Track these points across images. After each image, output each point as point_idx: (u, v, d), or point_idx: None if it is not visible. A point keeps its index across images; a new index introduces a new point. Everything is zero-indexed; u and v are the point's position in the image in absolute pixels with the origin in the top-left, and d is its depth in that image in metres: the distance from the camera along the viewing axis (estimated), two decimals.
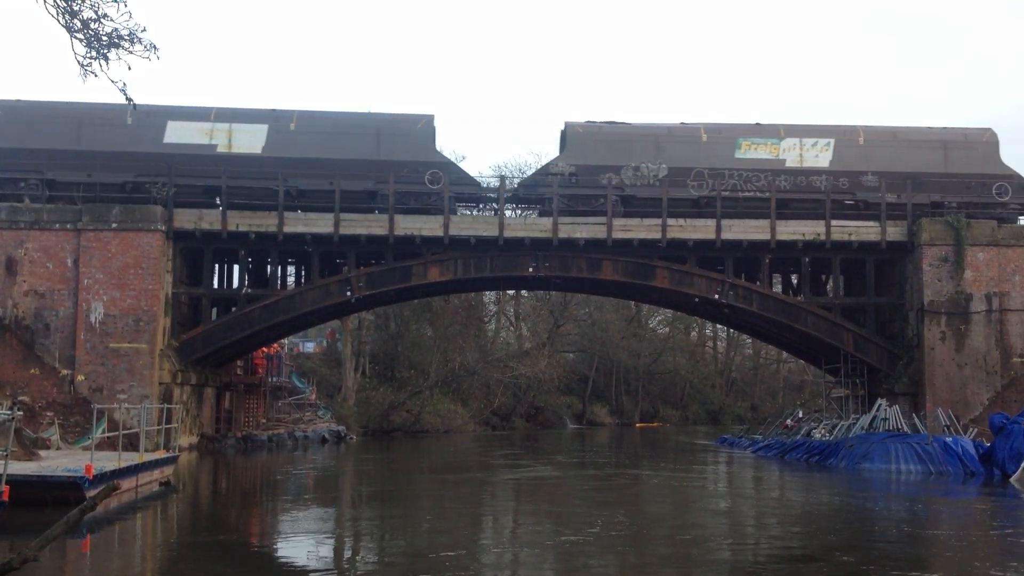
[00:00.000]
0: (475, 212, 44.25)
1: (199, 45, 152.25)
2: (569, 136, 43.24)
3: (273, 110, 42.25)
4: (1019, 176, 42.95)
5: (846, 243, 42.07)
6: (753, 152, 42.41)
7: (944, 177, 42.20)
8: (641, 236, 41.36)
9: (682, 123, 43.95)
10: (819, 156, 42.44)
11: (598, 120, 44.43)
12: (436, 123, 42.71)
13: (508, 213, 42.95)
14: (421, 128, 41.91)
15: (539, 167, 46.48)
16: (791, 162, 42.39)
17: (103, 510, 20.82)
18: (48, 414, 35.16)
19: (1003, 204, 42.24)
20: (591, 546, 18.30)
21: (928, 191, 42.03)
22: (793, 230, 42.10)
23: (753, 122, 44.52)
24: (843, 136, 43.05)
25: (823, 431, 43.43)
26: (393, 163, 40.93)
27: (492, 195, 43.14)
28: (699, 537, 20.31)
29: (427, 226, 41.05)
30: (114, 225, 38.91)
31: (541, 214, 43.55)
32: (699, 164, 41.98)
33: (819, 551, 18.17)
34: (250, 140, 41.04)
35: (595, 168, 41.94)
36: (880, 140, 43.23)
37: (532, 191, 43.33)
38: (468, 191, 42.93)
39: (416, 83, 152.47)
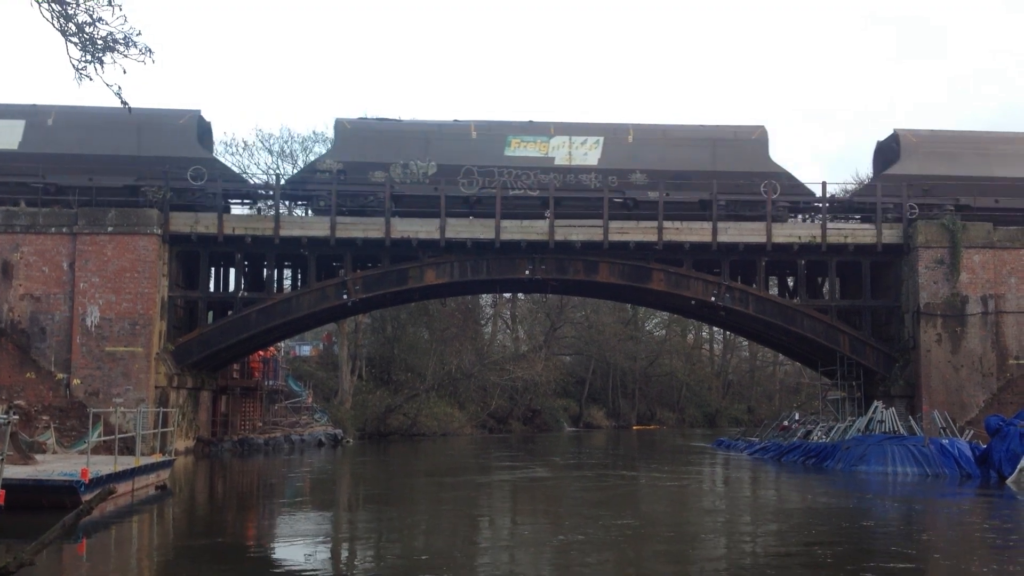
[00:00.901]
0: (249, 210, 43.33)
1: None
2: (338, 132, 42.91)
3: (33, 105, 41.54)
4: (788, 174, 42.81)
5: (842, 245, 42.11)
6: (523, 150, 41.94)
7: (712, 175, 41.82)
8: (638, 239, 41.37)
9: (455, 120, 43.57)
10: (588, 154, 42.03)
11: (371, 116, 44.08)
12: (211, 119, 42.19)
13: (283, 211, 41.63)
14: (183, 124, 40.88)
15: (307, 163, 45.01)
16: (560, 160, 41.98)
17: (99, 514, 20.78)
18: (44, 418, 35.07)
19: (772, 202, 41.71)
20: (588, 547, 18.30)
21: (697, 189, 41.74)
22: (789, 233, 42.15)
23: (527, 120, 43.82)
24: (612, 134, 42.70)
25: (819, 433, 43.48)
26: (159, 159, 40.07)
27: (263, 192, 42.67)
28: (695, 538, 20.31)
29: (424, 229, 41.04)
30: (110, 229, 38.88)
31: (315, 212, 42.38)
32: (469, 162, 41.40)
33: (815, 552, 18.16)
34: (8, 135, 40.32)
35: (364, 165, 41.33)
36: (649, 138, 42.84)
37: (299, 188, 42.33)
38: (234, 187, 42.23)
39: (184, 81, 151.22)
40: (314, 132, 71.81)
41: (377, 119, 44.19)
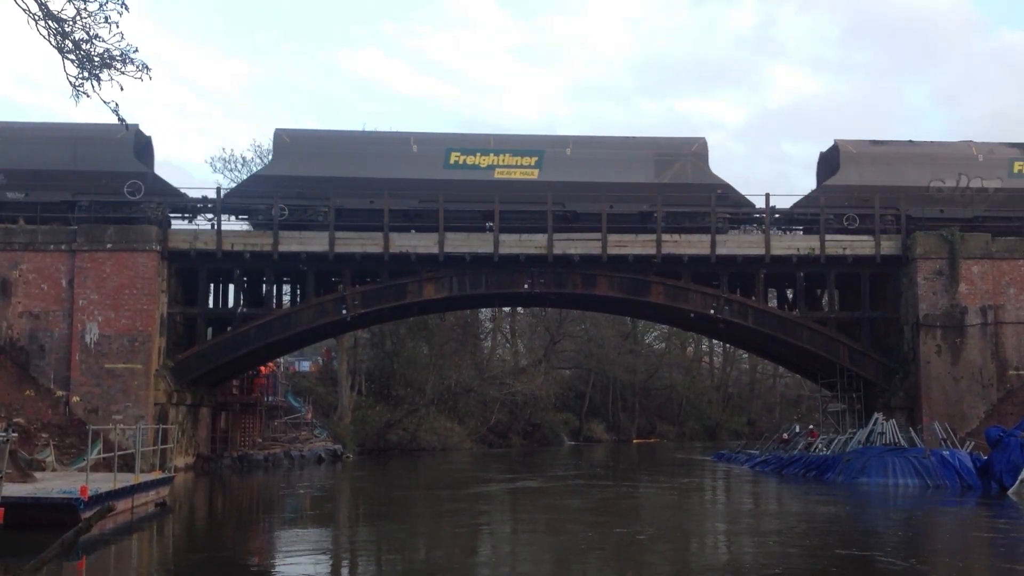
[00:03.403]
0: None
1: None
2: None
3: None
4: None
5: (840, 257, 42.09)
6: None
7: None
8: (636, 252, 41.34)
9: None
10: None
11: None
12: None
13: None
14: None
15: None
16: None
17: (98, 531, 20.72)
18: (43, 436, 34.96)
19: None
20: (589, 559, 18.25)
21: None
22: (788, 245, 42.16)
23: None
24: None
25: (820, 445, 43.39)
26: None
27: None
28: (696, 550, 20.26)
29: (422, 244, 41.02)
30: (109, 246, 38.86)
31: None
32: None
33: (816, 563, 18.12)
34: None
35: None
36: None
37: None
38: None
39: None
40: (258, 147, 70.49)
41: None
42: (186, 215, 42.69)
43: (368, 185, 40.66)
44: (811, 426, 50.82)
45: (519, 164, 41.88)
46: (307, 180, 40.91)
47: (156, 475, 28.65)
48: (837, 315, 43.58)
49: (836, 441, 41.72)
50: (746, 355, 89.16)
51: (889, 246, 41.86)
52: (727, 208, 42.30)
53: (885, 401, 41.58)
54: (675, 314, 46.14)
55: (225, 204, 41.71)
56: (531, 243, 41.28)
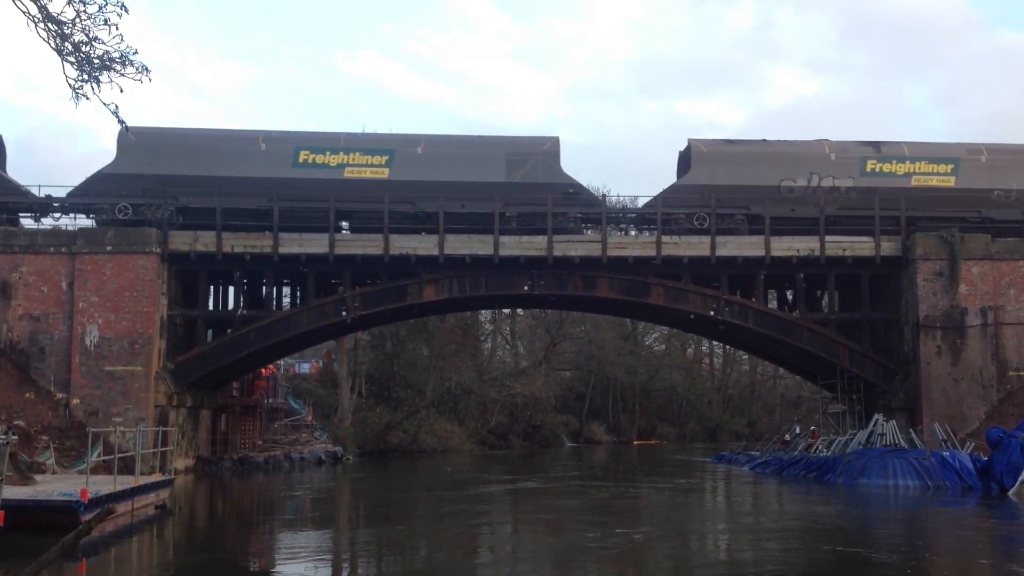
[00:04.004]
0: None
1: None
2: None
3: None
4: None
5: (840, 258, 42.07)
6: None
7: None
8: (636, 253, 41.34)
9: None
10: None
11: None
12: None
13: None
14: None
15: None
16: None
17: (99, 534, 20.71)
18: (43, 438, 34.93)
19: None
20: (590, 560, 18.25)
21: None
22: (788, 246, 42.12)
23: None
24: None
25: (820, 447, 43.38)
26: None
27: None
28: (697, 551, 20.25)
29: (422, 245, 41.00)
30: (109, 248, 38.86)
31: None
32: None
33: (816, 564, 18.12)
34: None
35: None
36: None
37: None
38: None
39: None
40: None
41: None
42: (33, 214, 41.72)
43: (214, 183, 40.28)
44: (812, 427, 50.81)
45: (369, 163, 41.57)
46: (153, 178, 40.44)
47: (156, 477, 28.64)
48: (837, 316, 43.58)
49: (836, 442, 41.70)
50: (746, 356, 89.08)
51: (889, 247, 41.84)
52: (577, 208, 42.12)
53: (885, 402, 41.58)
54: (675, 315, 46.12)
55: (71, 203, 41.19)
56: (531, 245, 41.26)
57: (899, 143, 43.89)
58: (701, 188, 42.03)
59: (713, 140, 44.79)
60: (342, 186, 41.08)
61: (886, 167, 42.55)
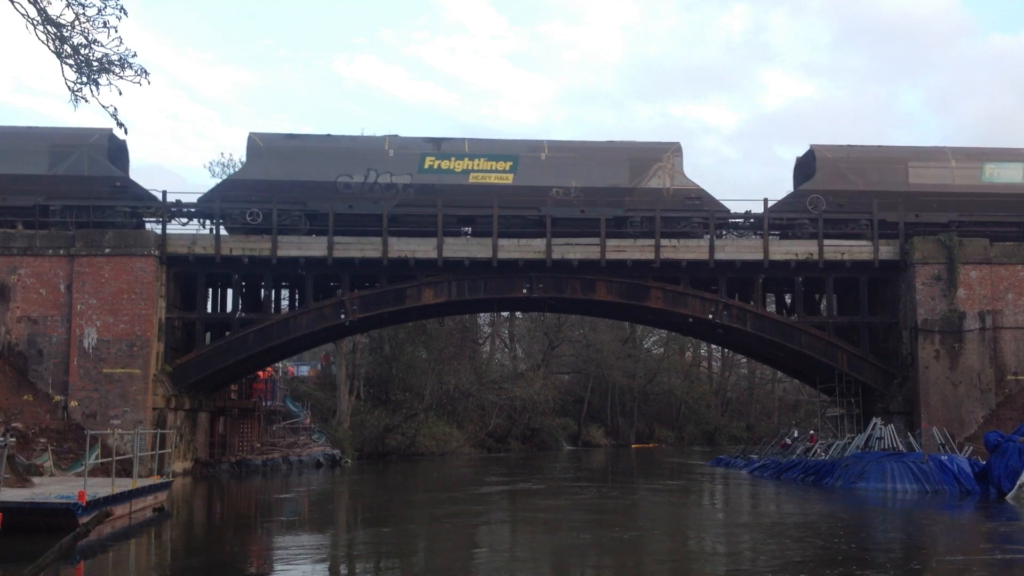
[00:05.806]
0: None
1: None
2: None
3: None
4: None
5: (839, 262, 42.08)
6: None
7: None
8: (635, 257, 41.35)
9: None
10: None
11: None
12: None
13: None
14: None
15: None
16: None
17: (96, 537, 20.71)
18: (41, 440, 34.95)
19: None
20: (587, 561, 18.24)
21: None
22: (786, 250, 42.14)
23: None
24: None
25: (819, 450, 43.38)
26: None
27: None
28: (694, 553, 20.24)
29: (421, 248, 41.01)
30: (107, 250, 38.84)
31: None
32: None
33: (815, 565, 18.10)
34: None
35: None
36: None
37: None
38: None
39: None
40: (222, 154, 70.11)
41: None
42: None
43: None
44: (810, 431, 50.82)
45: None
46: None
47: (154, 480, 28.64)
48: (835, 320, 43.59)
49: (835, 446, 41.69)
50: (745, 360, 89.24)
51: (888, 251, 41.88)
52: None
53: (884, 406, 41.60)
54: (674, 319, 46.13)
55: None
56: (530, 248, 41.29)
57: (462, 140, 43.25)
58: (256, 183, 40.89)
59: (272, 135, 43.24)
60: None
61: (444, 164, 41.91)
